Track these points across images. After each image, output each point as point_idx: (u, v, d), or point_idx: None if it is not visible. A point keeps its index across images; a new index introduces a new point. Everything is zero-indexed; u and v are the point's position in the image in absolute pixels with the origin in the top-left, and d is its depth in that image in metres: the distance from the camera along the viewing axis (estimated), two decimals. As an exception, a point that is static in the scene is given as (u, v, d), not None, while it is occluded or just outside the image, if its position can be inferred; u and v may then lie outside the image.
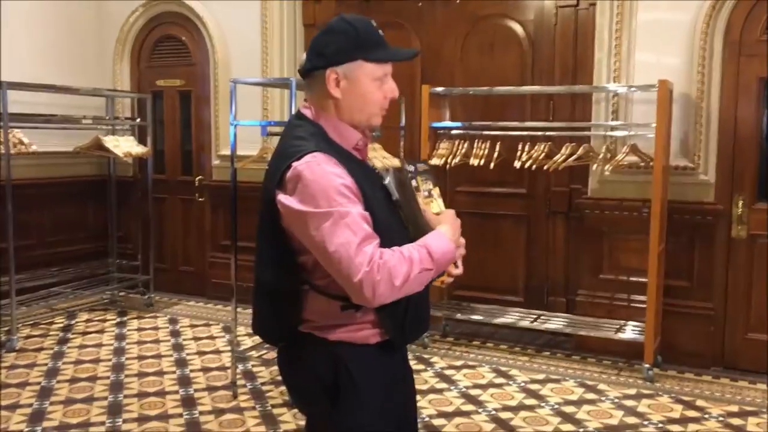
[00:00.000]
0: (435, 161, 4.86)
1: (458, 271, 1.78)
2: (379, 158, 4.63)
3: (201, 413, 3.76)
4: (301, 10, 5.92)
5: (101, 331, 5.26)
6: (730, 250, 4.48)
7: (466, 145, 4.90)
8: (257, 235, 1.80)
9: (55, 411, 3.76)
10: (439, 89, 5.00)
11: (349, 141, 1.78)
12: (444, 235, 1.71)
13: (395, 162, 4.78)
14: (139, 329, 5.34)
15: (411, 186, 1.79)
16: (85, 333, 5.21)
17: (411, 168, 1.83)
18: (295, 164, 1.64)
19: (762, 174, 4.43)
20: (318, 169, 1.62)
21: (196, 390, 4.09)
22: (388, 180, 1.80)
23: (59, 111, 5.68)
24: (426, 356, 4.74)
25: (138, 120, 6.24)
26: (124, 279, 6.25)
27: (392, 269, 1.57)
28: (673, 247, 4.54)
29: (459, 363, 4.61)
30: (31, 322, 5.40)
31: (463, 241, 1.79)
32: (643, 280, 4.37)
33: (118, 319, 5.60)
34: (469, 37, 5.38)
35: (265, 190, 1.74)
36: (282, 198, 1.66)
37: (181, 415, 3.73)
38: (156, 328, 5.37)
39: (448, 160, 4.86)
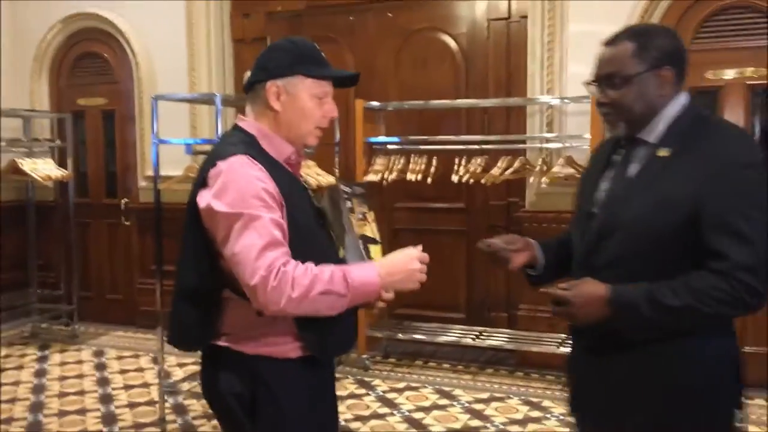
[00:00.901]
0: (371, 177, 4.73)
1: (388, 295, 1.73)
2: (313, 175, 4.50)
3: (127, 453, 3.51)
4: (229, 25, 5.73)
5: (20, 368, 4.90)
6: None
7: (402, 160, 4.79)
8: (182, 239, 1.77)
9: (-37, 460, 3.45)
10: (374, 104, 4.89)
11: (281, 153, 1.76)
12: (373, 267, 1.66)
13: (330, 180, 4.65)
14: (62, 363, 5.01)
15: (344, 206, 1.72)
16: (2, 370, 4.85)
17: (347, 189, 1.75)
18: (219, 162, 1.65)
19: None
20: (240, 170, 1.63)
21: (121, 428, 3.82)
22: (323, 202, 1.79)
23: (-30, 133, 5.33)
24: (367, 379, 4.58)
25: (58, 141, 5.91)
26: (46, 310, 5.89)
27: (292, 280, 1.56)
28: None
29: (401, 385, 4.47)
30: (-58, 361, 5.01)
31: (409, 286, 1.71)
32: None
33: (39, 354, 5.25)
34: (403, 51, 5.30)
35: (191, 192, 1.73)
36: (201, 195, 1.67)
37: (104, 457, 3.48)
38: (80, 362, 5.04)
39: (385, 176, 4.75)
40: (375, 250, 1.74)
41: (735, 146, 1.64)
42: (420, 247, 1.73)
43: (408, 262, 1.69)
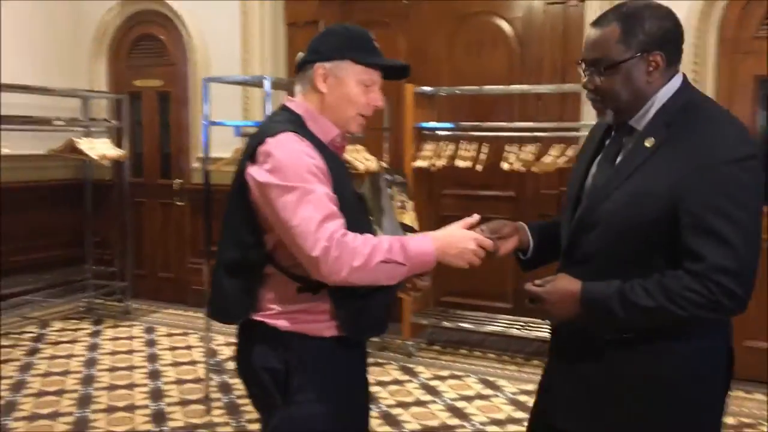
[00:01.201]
0: (419, 163, 4.68)
1: (425, 283, 1.77)
2: (361, 160, 4.47)
3: (171, 430, 3.57)
4: (283, 9, 5.74)
5: (74, 341, 5.05)
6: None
7: (452, 146, 4.72)
8: (225, 214, 1.79)
9: (18, 428, 3.55)
10: (425, 89, 4.83)
11: (326, 134, 1.78)
12: (428, 238, 1.68)
13: (374, 166, 4.62)
14: (114, 339, 5.14)
15: (385, 191, 1.73)
16: (57, 343, 5.00)
17: (389, 177, 1.76)
18: (269, 139, 1.67)
19: (758, 176, 4.27)
20: (291, 145, 1.66)
21: (168, 404, 3.90)
22: (363, 187, 1.84)
23: (34, 112, 5.48)
24: (411, 366, 4.56)
25: (114, 122, 6.03)
26: (100, 286, 6.04)
27: (354, 249, 1.58)
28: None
29: (445, 373, 4.44)
30: (2, 332, 5.19)
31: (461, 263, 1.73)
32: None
33: (93, 328, 5.40)
34: (456, 36, 5.22)
35: (238, 167, 1.75)
36: (251, 170, 1.68)
37: (150, 432, 3.55)
38: (131, 338, 5.16)
39: (433, 162, 4.69)
40: None
41: (723, 139, 1.52)
42: (476, 218, 1.77)
43: (464, 240, 1.71)
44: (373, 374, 4.40)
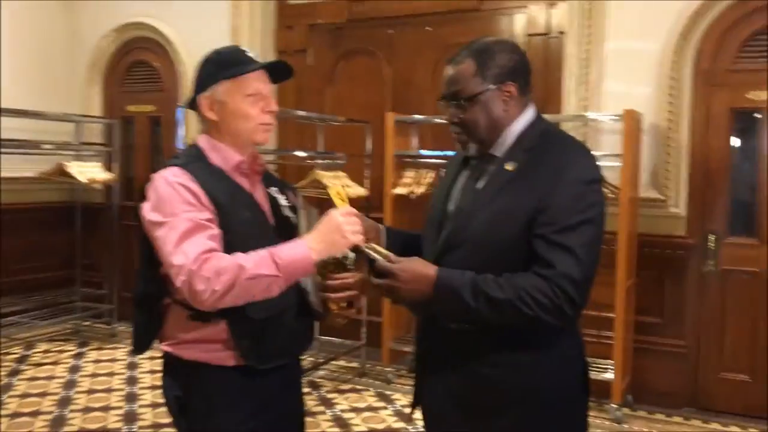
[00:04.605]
0: (399, 190, 4.73)
1: (352, 309, 1.75)
2: (339, 186, 4.51)
3: (140, 453, 3.59)
4: (273, 38, 5.84)
5: (56, 363, 5.08)
6: (702, 286, 4.33)
7: (432, 174, 4.77)
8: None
9: (-13, 449, 3.59)
10: (406, 117, 4.89)
11: (228, 161, 1.79)
12: (301, 243, 1.65)
13: (359, 191, 4.66)
14: (96, 361, 5.17)
15: (312, 213, 1.76)
16: (39, 364, 5.04)
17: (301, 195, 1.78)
18: (154, 175, 1.73)
19: (734, 207, 4.29)
20: (168, 179, 1.68)
21: (140, 427, 3.91)
22: (301, 223, 1.82)
23: (31, 136, 5.58)
24: (388, 393, 4.56)
25: (103, 146, 6.12)
26: (88, 308, 6.09)
27: (217, 272, 1.55)
28: (643, 281, 4.38)
29: (421, 400, 4.42)
30: (-14, 353, 5.24)
31: (352, 239, 1.66)
32: (612, 315, 4.21)
33: (77, 350, 5.43)
34: (441, 65, 5.27)
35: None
36: (142, 207, 1.72)
37: (118, 455, 3.56)
38: (113, 360, 5.19)
39: (413, 190, 4.73)
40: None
41: (576, 163, 1.66)
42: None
43: (330, 221, 1.66)
44: (350, 400, 4.40)
